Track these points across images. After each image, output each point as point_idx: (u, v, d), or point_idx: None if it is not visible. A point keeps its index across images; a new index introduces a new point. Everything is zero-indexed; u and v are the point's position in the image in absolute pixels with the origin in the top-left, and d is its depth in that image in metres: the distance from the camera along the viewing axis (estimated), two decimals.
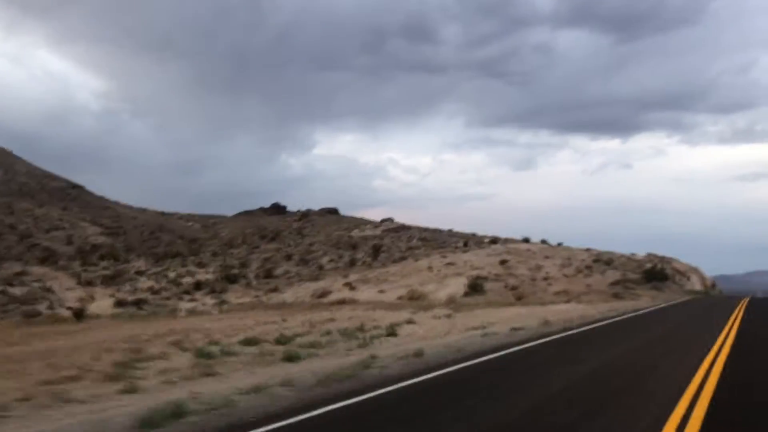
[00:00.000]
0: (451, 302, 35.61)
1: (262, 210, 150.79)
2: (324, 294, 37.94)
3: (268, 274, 44.69)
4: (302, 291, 39.96)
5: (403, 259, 56.97)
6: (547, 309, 28.04)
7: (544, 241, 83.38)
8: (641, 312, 26.27)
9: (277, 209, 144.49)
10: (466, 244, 67.94)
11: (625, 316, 23.75)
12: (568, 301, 34.17)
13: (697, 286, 71.07)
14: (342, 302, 32.53)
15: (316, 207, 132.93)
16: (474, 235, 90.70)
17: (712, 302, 38.50)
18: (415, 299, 36.33)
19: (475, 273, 47.76)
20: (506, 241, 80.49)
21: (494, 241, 74.69)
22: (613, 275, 49.40)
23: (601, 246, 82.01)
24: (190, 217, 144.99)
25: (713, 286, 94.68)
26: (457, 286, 42.46)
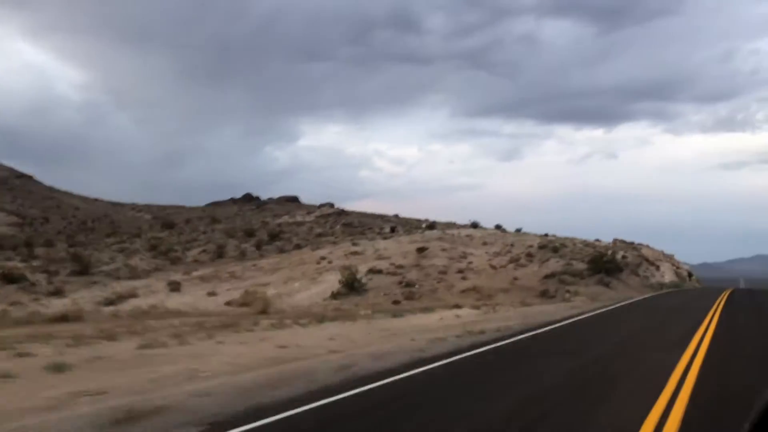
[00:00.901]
0: (310, 307, 24.42)
1: (233, 200, 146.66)
2: (122, 298, 26.68)
3: (85, 270, 33.42)
4: (94, 293, 28.59)
5: (298, 247, 45.60)
6: (400, 324, 16.89)
7: (498, 227, 72.61)
8: (537, 332, 15.02)
9: (249, 199, 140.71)
10: (393, 230, 56.80)
11: (489, 347, 12.51)
12: (458, 307, 22.97)
13: (669, 277, 60.43)
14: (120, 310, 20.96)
15: (303, 200, 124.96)
16: (420, 221, 79.87)
17: (677, 302, 27.63)
18: (248, 304, 25.01)
19: (373, 264, 36.55)
20: (450, 226, 69.63)
21: (431, 226, 63.59)
22: (554, 266, 38.39)
23: (588, 236, 71.77)
24: (144, 208, 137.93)
25: (690, 275, 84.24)
26: (335, 282, 31.27)
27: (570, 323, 16.86)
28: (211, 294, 28.14)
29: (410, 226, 66.57)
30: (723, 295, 34.42)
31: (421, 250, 42.70)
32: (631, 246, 66.35)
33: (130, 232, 70.92)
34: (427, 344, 11.35)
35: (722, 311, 20.82)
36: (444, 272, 34.59)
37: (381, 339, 12.68)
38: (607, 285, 31.83)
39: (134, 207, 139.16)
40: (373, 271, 33.46)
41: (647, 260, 57.57)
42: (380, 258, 40.09)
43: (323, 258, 39.82)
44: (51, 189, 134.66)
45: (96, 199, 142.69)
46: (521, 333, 13.74)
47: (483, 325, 15.93)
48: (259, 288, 28.82)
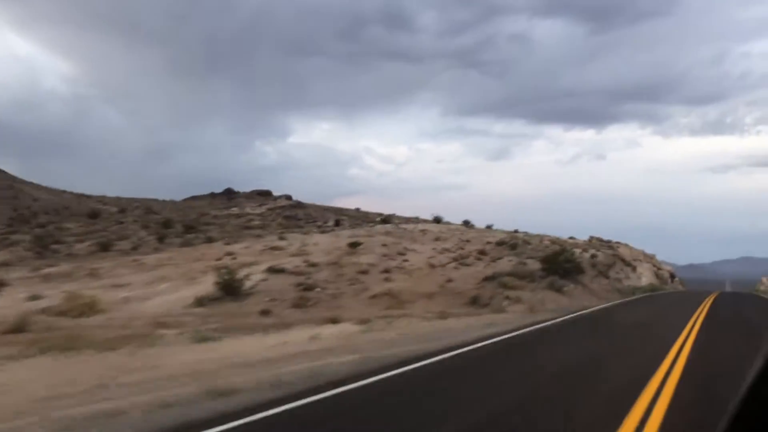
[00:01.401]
0: (165, 316, 17.93)
1: (212, 195, 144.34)
2: None
3: None
4: None
5: (210, 241, 38.93)
6: (171, 361, 10.46)
7: (466, 223, 66.27)
8: (342, 390, 8.43)
9: (229, 194, 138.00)
10: (338, 223, 50.36)
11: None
12: (334, 322, 16.54)
13: (647, 279, 54.39)
14: None
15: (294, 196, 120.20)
16: (383, 215, 73.54)
17: (642, 316, 21.47)
18: (67, 312, 18.42)
19: (285, 261, 30.07)
20: (410, 221, 63.30)
21: (386, 220, 57.12)
22: (504, 265, 32.06)
23: (572, 234, 66.04)
24: (112, 200, 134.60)
25: (672, 277, 78.38)
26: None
27: (446, 360, 10.38)
28: (34, 298, 21.43)
29: (365, 220, 60.14)
30: (704, 303, 28.25)
31: (354, 245, 36.24)
32: (607, 244, 60.30)
33: (56, 221, 63.82)
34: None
35: (699, 334, 14.56)
36: (365, 272, 28.08)
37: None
38: (559, 290, 25.46)
39: (101, 199, 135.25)
40: (273, 270, 26.90)
41: (623, 260, 51.46)
42: (300, 254, 33.57)
43: (229, 254, 33.21)
44: (14, 179, 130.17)
45: (63, 191, 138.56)
46: (308, 393, 7.14)
47: (292, 365, 9.47)
48: (108, 290, 22.17)
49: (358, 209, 75.67)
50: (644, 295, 37.54)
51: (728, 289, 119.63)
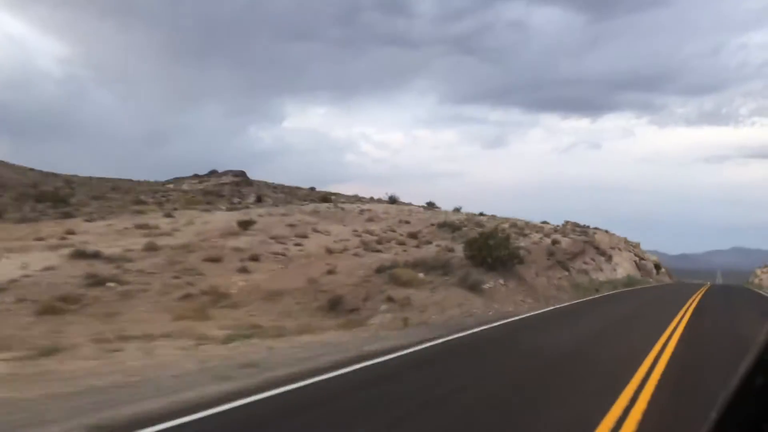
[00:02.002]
0: None
1: (196, 176, 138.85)
2: None
3: None
4: None
5: (67, 216, 31.08)
6: None
7: (430, 204, 58.46)
8: None
9: (241, 175, 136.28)
10: (260, 200, 42.61)
11: None
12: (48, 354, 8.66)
13: (624, 270, 46.79)
14: None
15: (286, 182, 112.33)
16: (333, 193, 65.72)
17: (586, 335, 13.82)
18: None
19: (123, 244, 22.26)
20: (359, 200, 55.67)
21: (326, 199, 49.26)
22: (427, 252, 24.36)
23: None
24: (84, 180, 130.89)
25: (658, 268, 70.97)
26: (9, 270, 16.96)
27: None
28: None
29: (306, 198, 52.33)
30: (688, 304, 20.74)
31: (246, 224, 28.46)
32: (582, 230, 52.69)
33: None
34: None
35: (664, 379, 6.92)
36: (216, 260, 20.25)
37: None
38: (474, 287, 17.70)
39: (69, 179, 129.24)
40: (80, 254, 19.04)
41: (596, 248, 43.86)
42: (170, 234, 25.79)
43: (70, 232, 25.34)
44: None
45: (31, 169, 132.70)
46: None
47: None
48: None
49: (336, 194, 67.31)
50: (613, 292, 29.91)
51: (719, 281, 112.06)
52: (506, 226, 39.49)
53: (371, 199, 60.58)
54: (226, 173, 77.67)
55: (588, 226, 59.94)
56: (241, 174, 77.93)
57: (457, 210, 50.70)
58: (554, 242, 33.35)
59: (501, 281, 19.64)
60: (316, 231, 29.70)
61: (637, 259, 56.53)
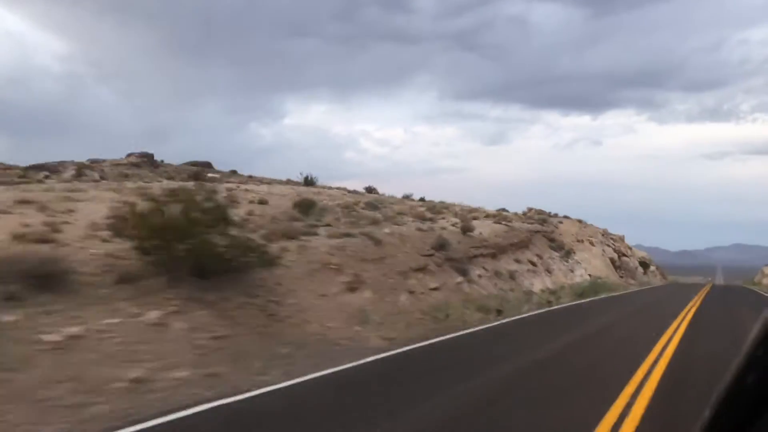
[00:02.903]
0: None
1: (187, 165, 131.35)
2: None
3: None
4: None
5: None
6: None
7: (370, 190, 46.42)
8: None
9: (206, 167, 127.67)
10: (79, 175, 31.03)
11: None
12: None
13: (591, 270, 34.88)
14: None
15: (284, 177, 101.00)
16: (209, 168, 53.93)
17: None
18: None
19: None
20: (252, 178, 43.80)
21: (198, 176, 37.44)
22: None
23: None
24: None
25: (646, 266, 58.98)
26: None
27: None
28: None
29: (171, 175, 40.33)
30: (684, 314, 8.77)
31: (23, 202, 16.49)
32: (543, 218, 40.84)
33: None
34: None
35: None
36: None
37: None
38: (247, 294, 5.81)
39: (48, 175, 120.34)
40: None
41: (550, 240, 32.03)
42: None
43: None
44: None
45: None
46: None
47: None
48: None
49: (213, 169, 55.31)
50: (526, 315, 17.40)
51: (720, 280, 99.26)
52: (401, 207, 27.53)
53: (289, 182, 48.66)
54: (131, 154, 65.83)
55: (556, 214, 48.10)
56: (148, 156, 66.23)
57: (370, 190, 38.81)
58: (466, 230, 21.55)
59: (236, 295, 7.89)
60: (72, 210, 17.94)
61: (615, 255, 44.84)
